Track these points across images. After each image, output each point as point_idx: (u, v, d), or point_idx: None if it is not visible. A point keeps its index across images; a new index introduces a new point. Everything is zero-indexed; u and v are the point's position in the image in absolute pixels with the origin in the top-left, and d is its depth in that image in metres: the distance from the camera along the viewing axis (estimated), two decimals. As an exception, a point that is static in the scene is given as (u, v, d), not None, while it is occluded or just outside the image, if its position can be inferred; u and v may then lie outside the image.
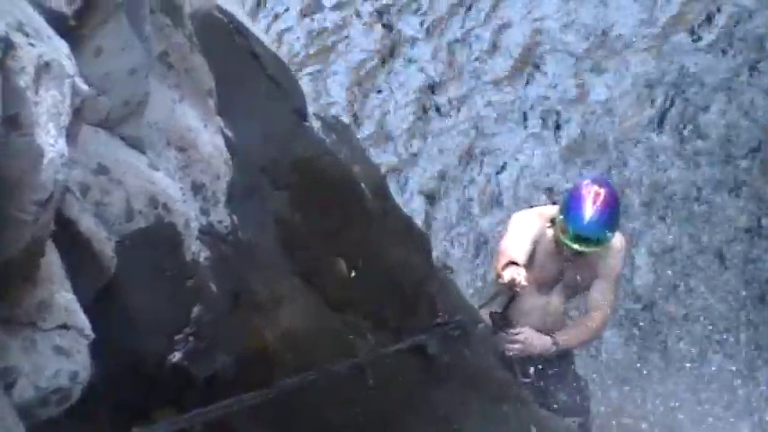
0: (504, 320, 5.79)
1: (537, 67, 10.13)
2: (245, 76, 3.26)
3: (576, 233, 5.67)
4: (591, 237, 5.70)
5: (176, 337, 2.55)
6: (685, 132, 9.52)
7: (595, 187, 5.75)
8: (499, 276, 5.51)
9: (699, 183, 9.26)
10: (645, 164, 9.44)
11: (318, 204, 3.44)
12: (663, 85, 9.71)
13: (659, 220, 9.24)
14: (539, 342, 5.84)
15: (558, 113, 9.86)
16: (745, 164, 9.28)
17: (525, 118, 9.95)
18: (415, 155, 9.97)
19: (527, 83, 10.07)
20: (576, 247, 5.70)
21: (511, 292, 5.56)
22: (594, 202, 5.67)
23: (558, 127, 9.85)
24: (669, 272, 8.95)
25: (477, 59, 10.30)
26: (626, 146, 9.55)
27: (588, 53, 10.04)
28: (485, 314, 5.82)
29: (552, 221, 5.85)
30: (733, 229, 9.05)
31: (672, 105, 9.62)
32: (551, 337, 5.89)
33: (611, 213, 5.76)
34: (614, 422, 7.30)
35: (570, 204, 5.74)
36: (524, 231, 5.84)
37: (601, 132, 9.66)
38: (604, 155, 9.57)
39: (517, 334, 5.79)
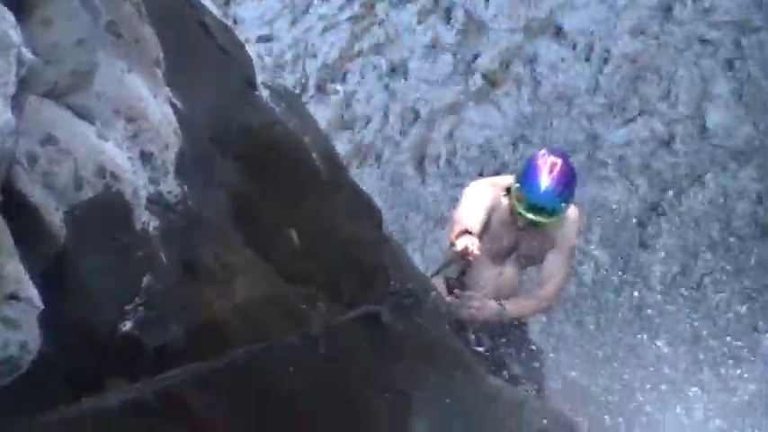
0: (458, 285, 5.84)
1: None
2: (194, 45, 3.24)
3: (531, 203, 5.72)
4: (546, 207, 5.76)
5: (127, 307, 2.54)
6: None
7: (552, 158, 5.80)
8: (452, 245, 5.54)
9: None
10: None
11: (270, 174, 3.43)
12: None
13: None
14: (488, 308, 5.89)
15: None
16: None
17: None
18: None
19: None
20: (531, 216, 5.75)
21: (463, 261, 5.59)
22: (551, 172, 5.73)
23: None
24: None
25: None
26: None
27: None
28: (437, 282, 5.87)
29: (508, 191, 5.89)
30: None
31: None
32: (500, 304, 5.94)
33: (567, 184, 5.82)
34: (570, 389, 7.40)
35: (526, 174, 5.78)
36: (479, 201, 5.88)
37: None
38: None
39: (470, 298, 5.84)
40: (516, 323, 6.38)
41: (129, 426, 2.50)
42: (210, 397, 2.78)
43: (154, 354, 2.57)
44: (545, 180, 5.71)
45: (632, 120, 9.59)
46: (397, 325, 3.97)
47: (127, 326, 2.51)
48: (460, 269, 5.87)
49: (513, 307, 6.05)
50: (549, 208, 5.78)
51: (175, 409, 2.66)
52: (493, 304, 5.95)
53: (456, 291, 5.91)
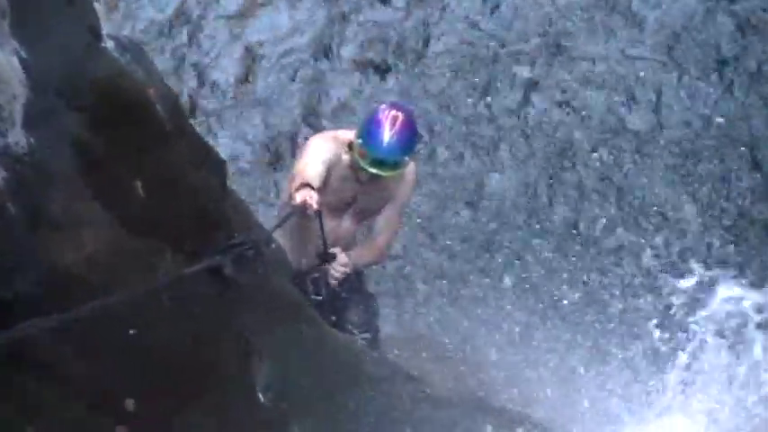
0: (329, 255, 5.92)
1: None
2: (40, -4, 3.20)
3: (374, 157, 5.81)
4: (388, 160, 5.85)
5: (-27, 258, 2.54)
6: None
7: (393, 111, 5.89)
8: (292, 198, 5.59)
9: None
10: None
11: (115, 126, 3.41)
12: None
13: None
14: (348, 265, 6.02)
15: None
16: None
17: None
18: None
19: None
20: (373, 170, 5.84)
21: (302, 214, 5.65)
22: (393, 126, 5.82)
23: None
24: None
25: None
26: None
27: None
28: (278, 235, 5.92)
29: (350, 146, 5.96)
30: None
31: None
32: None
33: (410, 137, 5.93)
34: (403, 337, 7.61)
35: (369, 128, 5.85)
36: (320, 155, 5.93)
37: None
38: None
39: (343, 263, 5.94)
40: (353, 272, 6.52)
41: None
42: (64, 347, 2.80)
43: (4, 305, 2.57)
44: (387, 134, 5.80)
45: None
46: (240, 277, 4.02)
47: (-25, 277, 2.51)
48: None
49: (355, 257, 6.18)
50: (392, 161, 5.88)
51: (30, 359, 2.67)
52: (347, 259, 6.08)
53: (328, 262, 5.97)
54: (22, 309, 2.60)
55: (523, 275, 8.66)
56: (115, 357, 3.05)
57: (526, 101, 9.55)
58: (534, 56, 9.72)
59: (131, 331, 3.11)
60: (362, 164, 5.84)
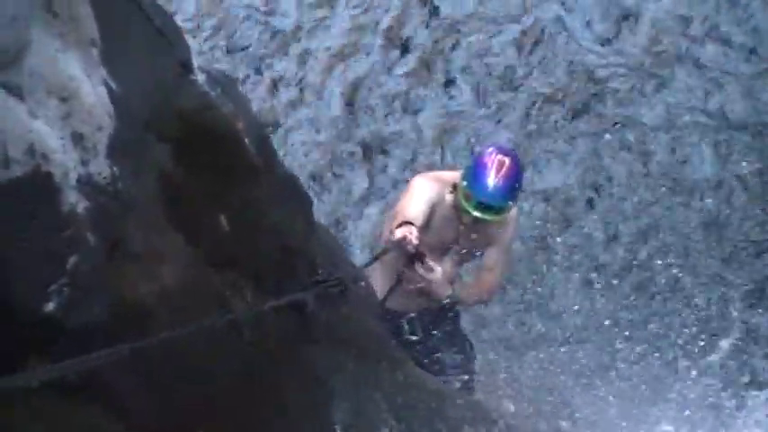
0: (418, 255, 5.86)
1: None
2: (131, 27, 3.22)
3: (479, 201, 5.80)
4: (494, 205, 5.84)
5: (50, 288, 2.53)
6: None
7: (500, 156, 5.89)
8: (391, 235, 5.58)
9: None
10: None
11: (201, 159, 3.43)
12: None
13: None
14: (442, 284, 5.96)
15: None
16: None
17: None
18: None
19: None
20: (477, 214, 5.84)
21: (401, 251, 5.62)
22: (499, 171, 5.82)
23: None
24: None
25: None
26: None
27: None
28: (377, 275, 5.94)
29: (454, 187, 5.94)
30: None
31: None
32: (450, 285, 6.02)
33: (515, 183, 5.94)
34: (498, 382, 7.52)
35: (475, 172, 5.87)
36: (422, 194, 5.98)
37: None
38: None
39: (431, 268, 5.89)
40: (449, 314, 6.46)
41: (50, 407, 2.50)
42: (133, 379, 2.78)
43: (76, 335, 2.57)
44: (492, 179, 5.81)
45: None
46: (321, 314, 3.99)
47: (50, 307, 2.51)
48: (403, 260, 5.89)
49: (461, 290, 6.14)
50: (497, 206, 5.87)
51: (97, 390, 2.66)
52: (446, 282, 6.02)
53: (422, 257, 5.91)
54: (92, 339, 2.59)
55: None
56: (185, 392, 3.03)
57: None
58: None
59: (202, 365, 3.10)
60: (467, 207, 5.85)
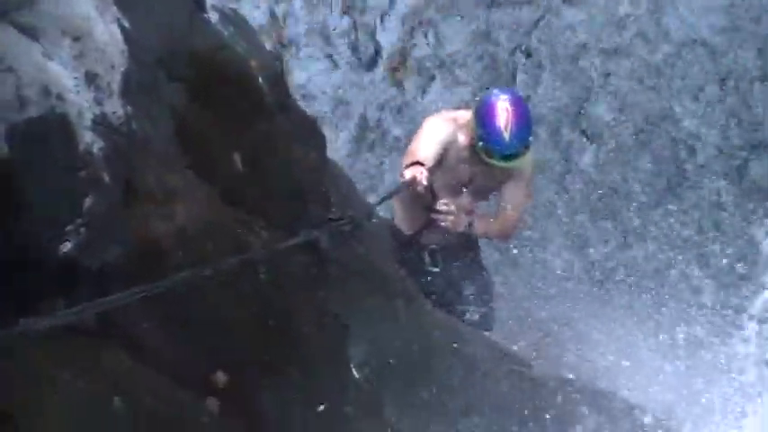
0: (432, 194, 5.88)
1: None
2: (144, -35, 3.21)
3: (502, 154, 5.80)
4: (516, 152, 5.84)
5: (67, 228, 2.54)
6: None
7: (505, 104, 5.84)
8: (402, 176, 5.59)
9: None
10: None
11: (215, 98, 3.42)
12: None
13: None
14: (461, 220, 5.98)
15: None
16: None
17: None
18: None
19: None
20: (503, 164, 5.85)
21: (411, 191, 5.63)
22: (508, 121, 5.79)
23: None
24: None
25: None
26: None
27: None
28: (396, 208, 5.97)
29: (473, 142, 5.93)
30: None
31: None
32: (469, 217, 6.03)
33: (526, 125, 5.90)
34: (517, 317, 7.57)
35: (487, 129, 5.83)
36: (435, 134, 5.95)
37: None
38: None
39: (448, 205, 5.92)
40: (471, 247, 6.49)
41: (68, 348, 2.51)
42: (151, 321, 2.80)
43: (93, 276, 2.58)
44: (507, 132, 5.78)
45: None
46: (335, 252, 4.00)
47: (67, 247, 2.52)
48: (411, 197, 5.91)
49: (479, 224, 6.14)
50: (518, 153, 5.87)
51: (115, 332, 2.68)
52: (464, 218, 6.04)
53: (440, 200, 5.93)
54: (111, 280, 2.60)
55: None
56: (204, 331, 3.05)
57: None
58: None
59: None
60: (491, 161, 5.84)
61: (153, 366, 2.82)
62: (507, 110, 5.80)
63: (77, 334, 2.51)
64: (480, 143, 5.84)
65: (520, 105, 5.93)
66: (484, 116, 5.89)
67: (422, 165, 5.59)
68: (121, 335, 2.71)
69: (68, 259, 2.52)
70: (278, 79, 4.10)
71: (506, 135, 5.77)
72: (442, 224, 5.98)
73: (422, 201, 5.96)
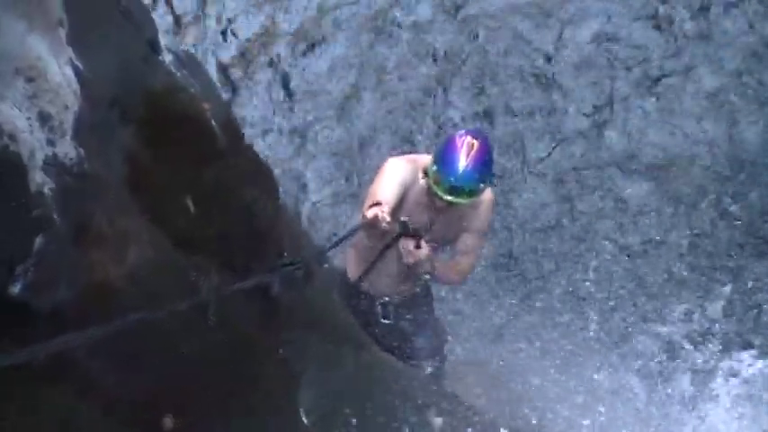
0: (410, 229, 5.82)
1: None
2: (98, 7, 3.20)
3: (449, 184, 5.73)
4: (464, 187, 5.75)
5: (17, 269, 2.52)
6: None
7: (469, 138, 5.80)
8: (364, 217, 5.53)
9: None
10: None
11: (168, 140, 3.40)
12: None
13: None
14: (427, 262, 5.91)
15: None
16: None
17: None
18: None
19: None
20: (449, 198, 5.75)
21: (373, 231, 5.58)
22: (468, 154, 5.73)
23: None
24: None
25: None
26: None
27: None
28: (351, 257, 5.94)
29: (425, 172, 5.89)
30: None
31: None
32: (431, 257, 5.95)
33: (485, 165, 5.81)
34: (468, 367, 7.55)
35: (444, 155, 5.77)
36: (395, 175, 5.86)
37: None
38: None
39: (422, 247, 5.84)
40: (424, 300, 6.46)
41: (14, 383, 2.49)
42: (100, 362, 2.77)
43: (44, 317, 2.56)
44: (463, 162, 5.69)
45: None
46: (285, 297, 3.99)
47: (17, 288, 2.49)
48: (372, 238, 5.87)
49: (439, 267, 6.08)
50: (467, 189, 5.78)
51: (64, 370, 2.65)
52: (430, 261, 5.97)
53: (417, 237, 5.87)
54: (61, 322, 2.58)
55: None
56: (154, 373, 3.03)
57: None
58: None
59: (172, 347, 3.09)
60: (438, 191, 5.76)
61: (100, 407, 2.79)
62: (470, 143, 5.76)
63: (28, 375, 2.48)
64: (434, 167, 5.79)
65: (485, 144, 5.86)
66: (445, 143, 5.85)
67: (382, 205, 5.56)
68: (70, 373, 2.68)
69: (19, 300, 2.49)
70: (231, 122, 4.09)
71: (461, 164, 5.71)
72: (409, 261, 5.89)
73: (382, 241, 5.92)
